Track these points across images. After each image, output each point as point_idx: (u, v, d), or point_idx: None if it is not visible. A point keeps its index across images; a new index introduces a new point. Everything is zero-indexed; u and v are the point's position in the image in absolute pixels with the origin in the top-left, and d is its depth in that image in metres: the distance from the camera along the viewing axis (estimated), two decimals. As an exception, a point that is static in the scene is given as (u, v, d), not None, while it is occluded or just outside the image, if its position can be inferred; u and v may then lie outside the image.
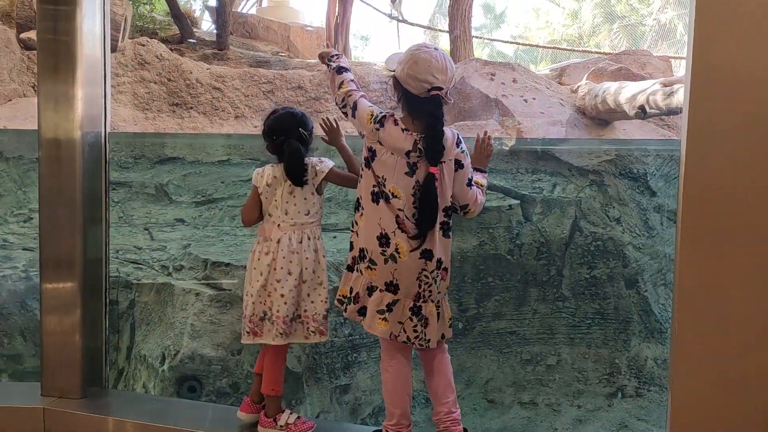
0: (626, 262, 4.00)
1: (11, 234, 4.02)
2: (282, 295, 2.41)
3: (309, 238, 2.47)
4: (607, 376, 3.92)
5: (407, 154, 2.22)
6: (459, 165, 2.29)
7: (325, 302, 2.45)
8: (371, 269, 2.19)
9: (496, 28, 29.09)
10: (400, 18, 12.13)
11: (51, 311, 2.74)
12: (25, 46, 5.78)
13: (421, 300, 2.26)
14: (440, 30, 17.82)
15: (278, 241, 2.44)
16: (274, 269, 2.43)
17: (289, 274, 2.42)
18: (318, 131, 2.57)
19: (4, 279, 3.77)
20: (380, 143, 2.27)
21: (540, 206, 4.08)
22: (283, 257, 2.43)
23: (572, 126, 5.24)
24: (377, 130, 2.25)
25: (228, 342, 3.41)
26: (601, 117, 5.24)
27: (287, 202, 2.47)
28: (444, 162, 2.26)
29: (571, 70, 6.72)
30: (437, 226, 2.24)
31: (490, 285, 3.95)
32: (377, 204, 2.23)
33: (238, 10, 11.11)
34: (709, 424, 1.79)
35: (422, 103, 2.25)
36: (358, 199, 2.27)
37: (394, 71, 2.35)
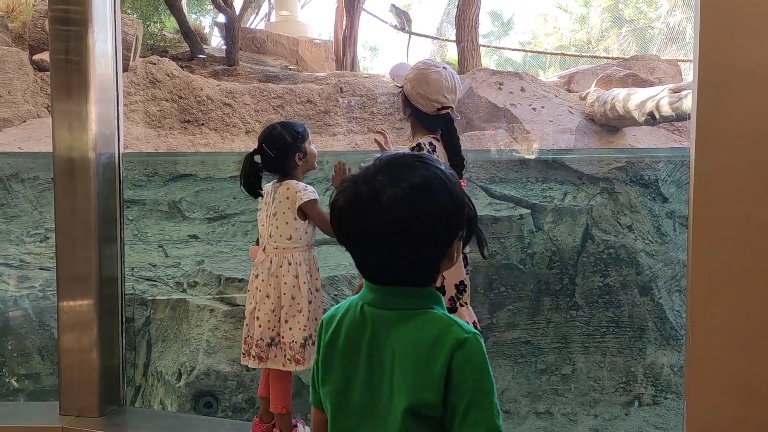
0: (639, 269, 3.98)
1: (28, 254, 4.07)
2: (257, 318, 2.41)
3: (290, 263, 2.44)
4: (624, 385, 3.89)
5: None
6: None
7: (304, 329, 2.38)
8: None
9: (503, 35, 29.13)
10: (407, 29, 12.18)
11: (68, 329, 2.77)
12: (38, 67, 5.87)
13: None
14: (448, 39, 17.88)
15: (261, 263, 2.45)
16: (259, 291, 2.44)
17: (267, 297, 2.41)
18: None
19: (22, 299, 3.82)
20: None
21: (551, 215, 4.08)
22: (262, 280, 2.42)
23: (582, 133, 5.23)
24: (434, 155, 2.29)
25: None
26: (611, 124, 5.23)
27: (271, 224, 2.46)
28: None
29: (580, 77, 6.71)
30: None
31: (503, 295, 3.94)
32: None
33: (247, 25, 11.22)
34: (725, 431, 1.77)
35: (432, 120, 2.30)
36: None
37: (401, 86, 2.38)
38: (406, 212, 1.11)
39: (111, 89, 2.83)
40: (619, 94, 4.96)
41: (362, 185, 1.15)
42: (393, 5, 10.52)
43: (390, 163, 1.17)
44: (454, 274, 2.18)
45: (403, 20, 11.50)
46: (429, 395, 1.10)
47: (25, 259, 4.04)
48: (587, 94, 5.77)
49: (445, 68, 2.35)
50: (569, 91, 6.47)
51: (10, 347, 3.76)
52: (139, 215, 4.58)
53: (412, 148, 2.33)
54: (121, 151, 2.90)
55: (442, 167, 1.18)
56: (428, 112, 2.29)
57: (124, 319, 2.92)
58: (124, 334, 2.91)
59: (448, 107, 2.28)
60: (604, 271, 3.97)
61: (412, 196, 1.11)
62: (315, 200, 2.48)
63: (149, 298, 3.91)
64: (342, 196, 1.17)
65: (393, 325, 1.15)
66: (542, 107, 5.47)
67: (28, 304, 3.81)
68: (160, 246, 4.44)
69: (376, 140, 2.52)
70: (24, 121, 5.47)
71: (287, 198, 2.45)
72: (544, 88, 5.81)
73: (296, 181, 2.47)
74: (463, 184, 2.27)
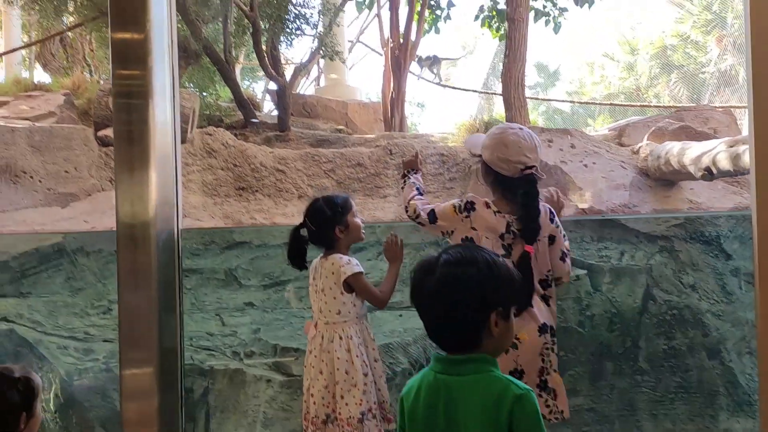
0: (706, 330, 3.82)
1: (92, 326, 4.18)
2: (312, 395, 2.41)
3: (341, 338, 2.44)
4: (697, 455, 3.70)
5: (501, 236, 2.26)
6: (551, 240, 2.32)
7: (360, 404, 2.39)
8: None
9: (550, 86, 29.19)
10: (440, 81, 12.31)
11: (130, 400, 2.81)
12: (102, 142, 6.15)
13: (545, 373, 2.26)
14: (494, 93, 18.01)
15: (313, 339, 2.46)
16: (312, 368, 2.44)
17: (320, 373, 2.41)
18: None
19: (86, 371, 3.91)
20: (474, 229, 2.30)
21: (608, 275, 3.98)
22: (315, 356, 2.44)
23: (636, 188, 5.14)
24: (467, 217, 2.30)
25: (300, 429, 3.41)
26: (666, 178, 5.11)
27: (320, 300, 2.49)
28: (539, 240, 2.28)
29: (631, 130, 6.63)
30: (539, 298, 2.27)
31: (563, 359, 3.82)
32: None
33: (297, 90, 11.56)
34: None
35: (517, 183, 2.29)
36: None
37: (479, 155, 2.39)
38: (441, 294, 1.45)
39: (170, 161, 2.94)
40: (673, 148, 4.87)
41: (433, 259, 1.50)
42: (419, 56, 10.44)
43: (453, 250, 1.53)
44: None
45: (434, 67, 11.54)
46: None
47: (90, 331, 4.16)
48: (640, 147, 5.68)
49: (521, 128, 2.37)
50: (620, 144, 6.39)
51: (75, 420, 3.84)
52: (196, 284, 4.67)
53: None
54: (180, 219, 3.00)
55: (492, 259, 1.49)
56: (512, 176, 2.29)
57: (183, 390, 2.96)
58: (183, 406, 2.94)
59: (531, 167, 2.29)
60: (668, 333, 3.83)
61: (450, 283, 1.45)
62: (359, 273, 2.50)
63: (207, 368, 3.95)
64: (417, 265, 1.54)
65: (463, 387, 1.44)
66: (593, 163, 5.41)
67: (92, 377, 3.91)
68: (217, 314, 4.51)
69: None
70: (89, 195, 5.72)
71: (332, 273, 2.49)
72: (595, 144, 5.76)
73: (340, 255, 2.51)
74: (530, 250, 2.23)
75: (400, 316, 4.12)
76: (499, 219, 2.29)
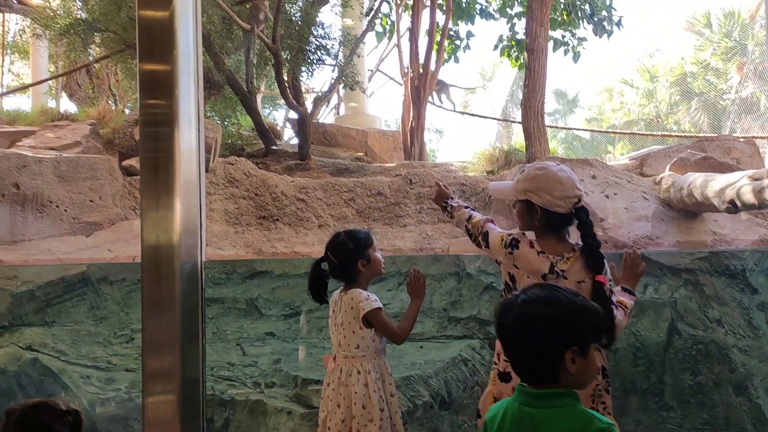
0: (733, 366, 3.76)
1: (115, 356, 4.21)
2: (329, 428, 2.41)
3: (359, 372, 2.44)
4: (725, 495, 3.61)
5: (543, 276, 2.23)
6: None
7: None
8: None
9: (569, 112, 29.21)
10: (455, 108, 12.38)
11: (152, 429, 2.81)
12: (127, 172, 6.25)
13: None
14: (513, 121, 18.05)
15: (332, 372, 2.47)
16: (330, 400, 2.45)
17: (338, 407, 2.42)
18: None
19: (108, 401, 3.93)
20: (516, 266, 2.28)
21: (632, 309, 3.94)
22: (333, 389, 2.45)
23: (658, 220, 5.08)
24: (510, 254, 2.28)
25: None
26: (689, 209, 5.07)
27: (339, 334, 2.50)
28: (581, 282, 2.21)
29: (652, 160, 6.59)
30: None
31: (587, 394, 3.78)
32: None
33: (317, 118, 11.68)
34: None
35: (570, 218, 2.26)
36: None
37: (523, 200, 2.31)
38: (517, 332, 1.55)
39: (195, 189, 2.98)
40: (696, 179, 4.82)
41: (514, 298, 1.60)
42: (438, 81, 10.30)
43: (531, 290, 1.61)
44: None
45: (442, 93, 11.56)
46: None
47: (112, 360, 4.19)
48: (662, 178, 5.64)
49: (559, 164, 2.35)
50: (642, 174, 6.34)
51: (96, 451, 3.85)
52: (218, 313, 4.70)
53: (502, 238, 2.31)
54: (204, 248, 3.02)
55: (567, 299, 1.55)
56: (567, 212, 2.25)
57: (204, 421, 2.96)
58: (204, 438, 2.94)
59: (580, 198, 2.27)
60: (694, 369, 3.77)
61: (525, 322, 1.54)
62: (378, 309, 2.51)
63: (228, 398, 3.95)
64: (500, 303, 1.64)
65: (547, 420, 1.51)
66: (615, 194, 5.38)
67: (114, 406, 3.92)
68: (238, 344, 4.52)
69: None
70: (113, 224, 5.79)
71: (351, 308, 2.50)
72: (616, 174, 5.73)
73: (360, 290, 2.53)
74: (603, 281, 2.18)
75: (421, 347, 4.10)
76: (542, 259, 2.23)
